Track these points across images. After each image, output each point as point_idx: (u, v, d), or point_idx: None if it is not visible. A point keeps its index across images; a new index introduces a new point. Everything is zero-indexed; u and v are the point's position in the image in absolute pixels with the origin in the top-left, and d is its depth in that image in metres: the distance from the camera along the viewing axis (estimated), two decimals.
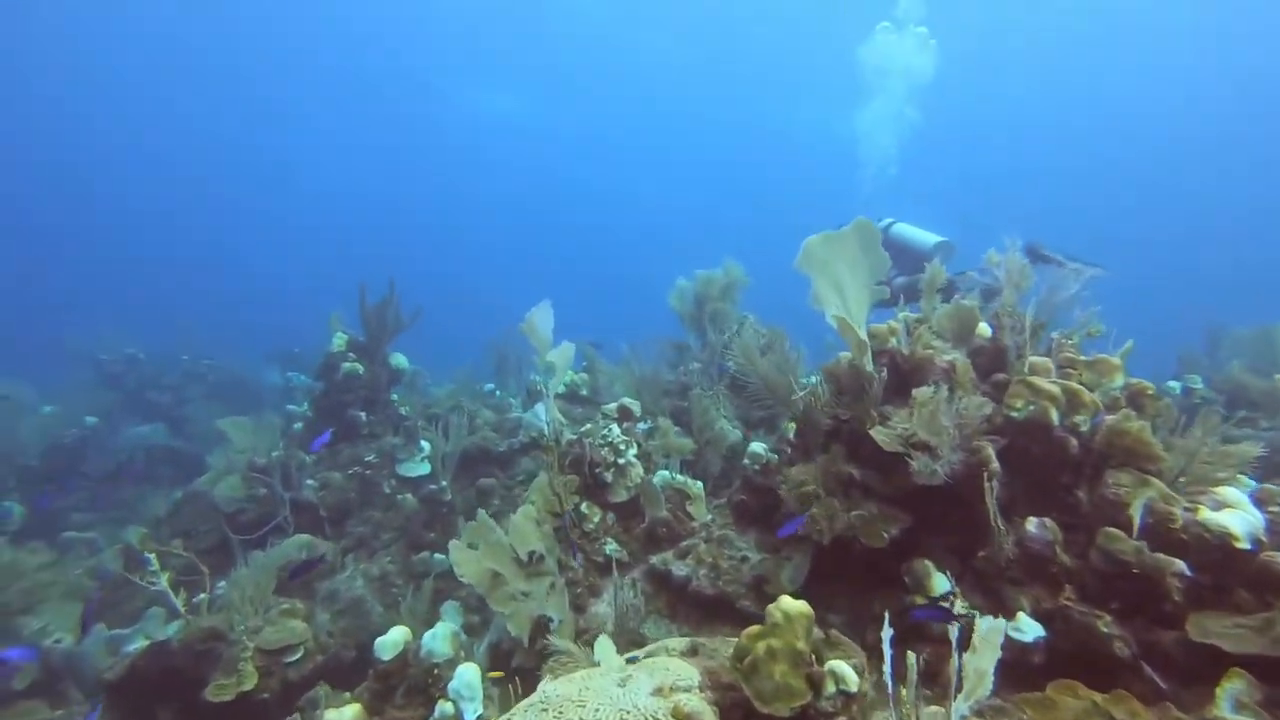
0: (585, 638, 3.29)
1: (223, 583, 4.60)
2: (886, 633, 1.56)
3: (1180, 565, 2.12)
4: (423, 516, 5.91)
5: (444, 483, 5.93)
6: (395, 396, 7.24)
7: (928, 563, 2.56)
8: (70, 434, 9.52)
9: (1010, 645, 2.07)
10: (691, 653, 2.40)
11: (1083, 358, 2.86)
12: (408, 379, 7.78)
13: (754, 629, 1.93)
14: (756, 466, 3.63)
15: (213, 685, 3.51)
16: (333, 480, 6.19)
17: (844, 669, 1.71)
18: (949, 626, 1.59)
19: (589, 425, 4.11)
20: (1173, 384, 6.05)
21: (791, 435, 5.65)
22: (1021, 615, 2.17)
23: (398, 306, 7.21)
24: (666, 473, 4.17)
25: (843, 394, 3.23)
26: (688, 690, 1.79)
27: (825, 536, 2.88)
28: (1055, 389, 2.54)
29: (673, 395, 6.65)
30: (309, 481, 6.11)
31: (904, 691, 1.51)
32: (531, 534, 3.33)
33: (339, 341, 6.81)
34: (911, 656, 1.56)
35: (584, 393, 7.35)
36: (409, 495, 6.02)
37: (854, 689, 1.68)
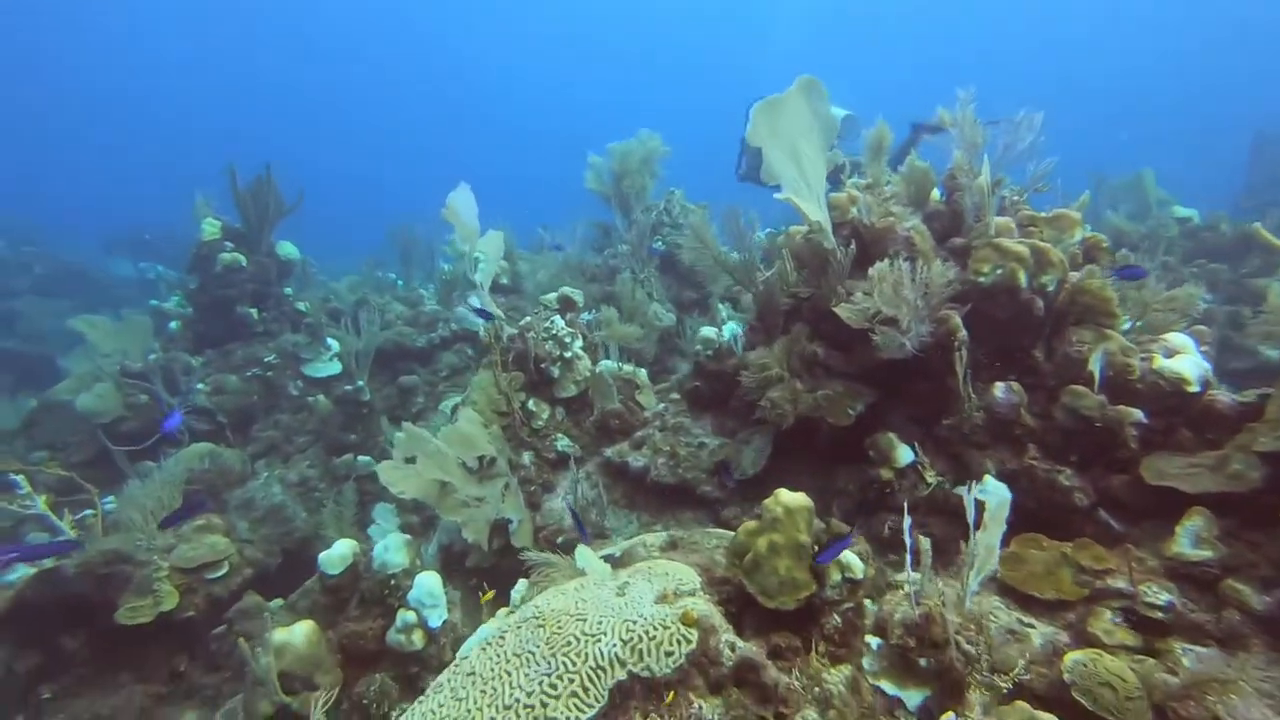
0: (544, 534, 3.24)
1: (109, 499, 4.10)
2: (906, 521, 1.57)
3: (1138, 414, 2.25)
4: (339, 418, 5.49)
5: (360, 382, 5.48)
6: (288, 291, 6.44)
7: (891, 435, 2.63)
8: None
9: (976, 508, 2.18)
10: (671, 547, 2.39)
11: (1041, 214, 2.86)
12: (298, 271, 6.92)
13: (751, 525, 1.90)
14: (709, 352, 3.55)
15: (124, 608, 3.18)
16: (228, 384, 5.55)
17: (850, 558, 1.73)
18: (966, 502, 1.60)
19: (529, 318, 3.82)
20: None
21: (725, 315, 5.63)
22: (987, 478, 2.27)
23: (277, 189, 6.20)
24: (611, 362, 4.02)
25: (802, 270, 3.13)
26: (692, 594, 1.76)
27: (788, 419, 2.88)
28: (1024, 250, 2.51)
29: (600, 280, 6.39)
30: (199, 385, 5.44)
31: (917, 574, 1.54)
32: (480, 438, 3.12)
33: (211, 229, 5.82)
34: (926, 541, 1.58)
35: (504, 281, 6.89)
36: (321, 397, 5.54)
37: (860, 576, 1.72)
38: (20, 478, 3.16)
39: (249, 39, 37.57)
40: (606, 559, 2.32)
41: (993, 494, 2.12)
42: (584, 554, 2.18)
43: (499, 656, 1.74)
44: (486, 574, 3.25)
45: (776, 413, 2.92)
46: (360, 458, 5.28)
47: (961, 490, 1.68)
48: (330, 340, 5.85)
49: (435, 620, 2.64)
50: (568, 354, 3.73)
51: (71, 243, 13.73)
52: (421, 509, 4.54)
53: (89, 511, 3.81)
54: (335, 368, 5.74)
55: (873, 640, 1.63)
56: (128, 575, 3.21)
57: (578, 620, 1.73)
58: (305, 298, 6.67)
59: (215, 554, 3.41)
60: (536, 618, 1.80)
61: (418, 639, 2.60)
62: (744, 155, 6.37)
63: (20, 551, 2.92)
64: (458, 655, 2.43)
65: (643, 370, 4.12)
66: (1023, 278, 2.47)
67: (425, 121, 47.00)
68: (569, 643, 1.67)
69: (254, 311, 5.96)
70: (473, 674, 1.72)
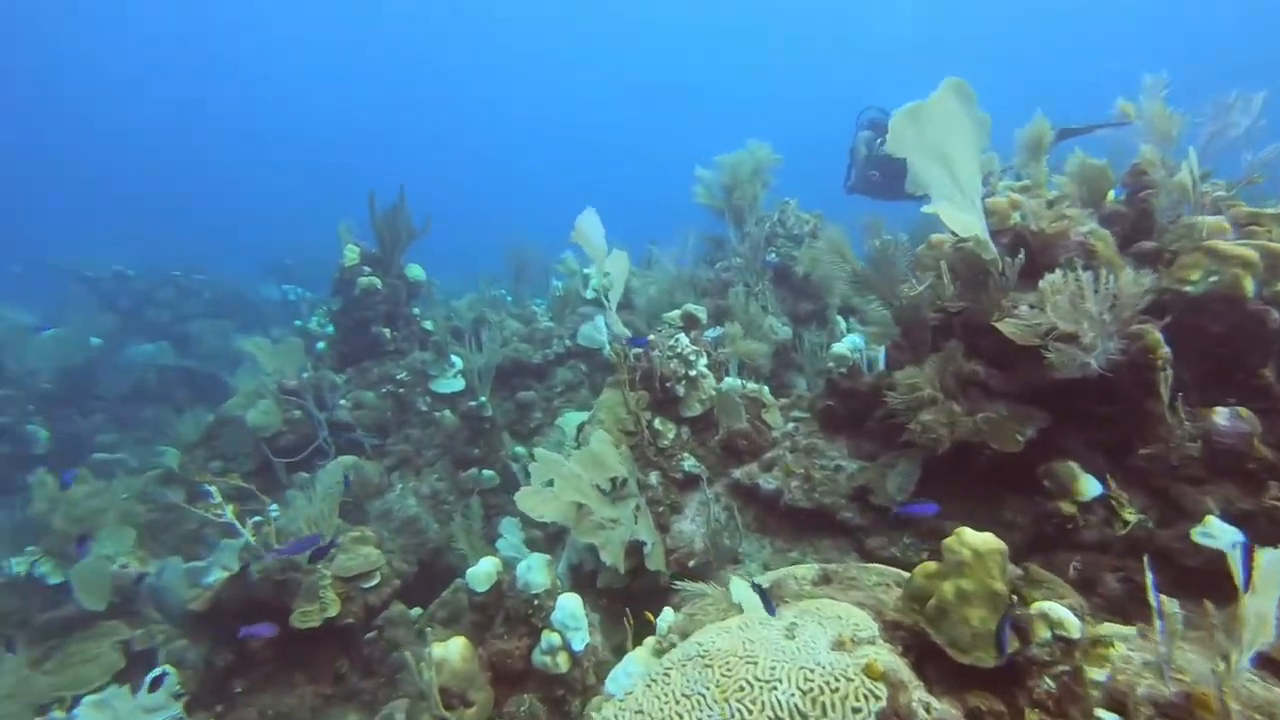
0: (675, 557, 3.20)
1: (274, 507, 4.52)
2: (1149, 578, 1.36)
3: None
4: (465, 433, 5.78)
5: (482, 398, 5.74)
6: (416, 310, 6.90)
7: (1073, 464, 2.35)
8: (78, 356, 9.39)
9: (1200, 552, 1.87)
10: (824, 580, 2.26)
11: (1267, 210, 2.46)
12: (424, 291, 7.40)
13: (930, 567, 1.74)
14: (843, 369, 3.37)
15: (297, 612, 3.47)
16: (365, 399, 6.00)
17: (1061, 612, 1.53)
18: (1231, 557, 1.37)
19: (653, 335, 3.82)
20: None
21: (843, 328, 5.36)
22: (1211, 519, 1.96)
23: (409, 214, 6.68)
24: (736, 380, 3.94)
25: (954, 282, 2.91)
26: (871, 642, 1.64)
27: (944, 444, 2.67)
28: (1250, 253, 2.17)
29: (712, 294, 6.32)
30: (341, 402, 5.91)
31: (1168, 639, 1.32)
32: (612, 458, 3.14)
33: (351, 254, 6.34)
34: (1172, 605, 1.37)
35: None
36: (447, 412, 5.86)
37: (1077, 635, 1.52)
38: (213, 488, 3.54)
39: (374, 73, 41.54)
40: (756, 588, 2.24)
41: (1222, 538, 1.84)
42: (739, 586, 2.11)
43: (667, 696, 1.69)
44: (619, 595, 3.25)
45: (929, 437, 2.71)
46: (484, 472, 5.52)
47: (1196, 533, 1.44)
48: (454, 357, 6.19)
49: (578, 643, 2.66)
50: (692, 372, 3.69)
51: (233, 268, 15.49)
52: (545, 524, 4.66)
53: (258, 518, 4.24)
54: (459, 384, 6.06)
55: (1108, 716, 1.42)
56: (298, 582, 3.50)
57: (748, 663, 1.66)
58: (430, 316, 7.13)
59: (369, 564, 3.65)
60: (702, 656, 1.75)
61: (562, 661, 2.63)
62: (853, 167, 6.15)
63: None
64: (605, 682, 2.43)
65: (766, 388, 4.00)
66: (1249, 285, 2.13)
67: (520, 143, 49.34)
68: (741, 688, 1.60)
69: (386, 331, 6.43)
70: (641, 713, 1.69)
